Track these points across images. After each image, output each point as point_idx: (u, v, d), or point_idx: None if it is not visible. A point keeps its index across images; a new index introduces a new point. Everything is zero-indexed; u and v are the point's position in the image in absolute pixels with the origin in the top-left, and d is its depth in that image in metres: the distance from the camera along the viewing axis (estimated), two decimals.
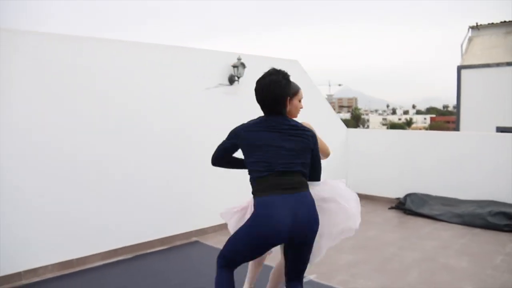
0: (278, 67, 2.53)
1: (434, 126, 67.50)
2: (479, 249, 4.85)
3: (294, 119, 2.64)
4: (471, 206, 6.03)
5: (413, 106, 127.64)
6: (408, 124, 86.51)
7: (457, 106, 12.02)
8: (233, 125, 2.53)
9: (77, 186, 4.25)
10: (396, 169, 7.17)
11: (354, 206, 2.64)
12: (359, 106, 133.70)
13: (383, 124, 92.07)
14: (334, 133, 7.50)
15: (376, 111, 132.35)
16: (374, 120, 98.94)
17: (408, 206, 6.44)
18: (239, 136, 2.47)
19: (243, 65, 5.46)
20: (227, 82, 5.53)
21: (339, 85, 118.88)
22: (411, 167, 7.00)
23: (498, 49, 12.00)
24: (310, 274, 4.03)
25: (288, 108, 2.58)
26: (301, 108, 2.88)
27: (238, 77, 5.49)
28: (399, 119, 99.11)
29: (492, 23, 12.90)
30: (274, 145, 2.39)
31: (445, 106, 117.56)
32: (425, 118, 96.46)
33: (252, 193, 2.45)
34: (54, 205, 4.09)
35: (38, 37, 4.07)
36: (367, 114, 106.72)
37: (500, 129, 10.40)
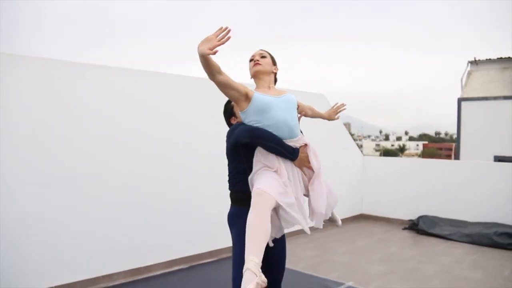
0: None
1: (427, 152, 68.40)
2: (488, 263, 5.56)
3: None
4: (478, 227, 6.77)
5: (406, 133, 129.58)
6: (401, 150, 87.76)
7: (458, 136, 12.86)
8: None
9: (141, 213, 4.93)
10: (408, 193, 7.91)
11: None
12: (352, 131, 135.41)
13: (376, 150, 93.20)
14: (351, 160, 8.26)
15: (369, 136, 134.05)
16: (368, 145, 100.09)
17: (421, 226, 7.16)
18: None
19: None
20: None
21: None
22: (422, 192, 7.74)
23: (496, 83, 12.96)
24: (347, 281, 4.72)
25: (237, 121, 2.77)
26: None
27: None
28: (392, 145, 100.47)
29: (490, 59, 13.91)
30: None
31: (437, 133, 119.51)
32: (417, 145, 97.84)
33: None
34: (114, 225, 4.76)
35: (34, 62, 4.26)
36: (360, 140, 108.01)
37: (498, 158, 11.23)
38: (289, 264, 2.44)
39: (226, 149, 2.62)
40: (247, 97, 2.41)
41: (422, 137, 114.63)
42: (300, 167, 2.45)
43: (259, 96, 2.44)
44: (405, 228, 7.48)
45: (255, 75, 2.58)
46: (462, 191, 7.31)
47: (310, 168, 2.47)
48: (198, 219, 5.45)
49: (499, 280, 4.91)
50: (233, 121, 2.80)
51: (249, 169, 2.44)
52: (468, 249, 6.24)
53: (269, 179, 2.27)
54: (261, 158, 2.39)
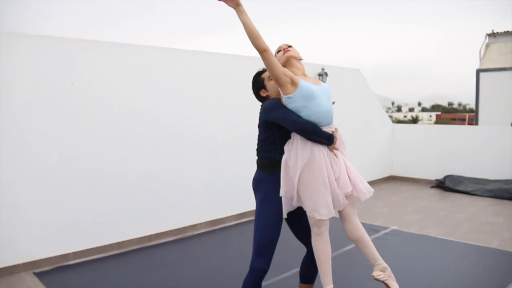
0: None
1: (440, 123, 68.58)
2: (508, 212, 6.50)
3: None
4: (498, 184, 7.70)
5: (419, 104, 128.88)
6: (414, 121, 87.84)
7: (476, 105, 13.62)
8: None
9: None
10: (434, 156, 8.82)
11: None
12: None
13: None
14: (382, 128, 9.18)
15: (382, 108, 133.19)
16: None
17: (447, 184, 8.10)
18: None
19: (326, 74, 7.11)
20: None
21: None
22: (447, 154, 8.66)
23: None
24: (392, 226, 5.69)
25: (267, 93, 2.84)
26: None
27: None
28: (405, 116, 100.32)
29: (508, 31, 14.53)
30: None
31: (450, 104, 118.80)
32: (430, 116, 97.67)
33: None
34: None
35: (37, 40, 4.30)
36: None
37: None
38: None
39: (259, 120, 2.82)
40: (293, 83, 2.57)
41: (435, 107, 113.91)
42: (331, 150, 2.69)
43: (305, 83, 2.61)
44: (432, 187, 8.43)
45: (288, 61, 2.72)
46: (483, 152, 8.22)
47: (337, 149, 2.74)
48: None
49: None
50: (263, 94, 2.87)
51: (280, 141, 2.73)
52: (490, 201, 7.18)
53: (321, 200, 2.58)
54: (298, 148, 2.63)
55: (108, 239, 4.83)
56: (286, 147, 2.71)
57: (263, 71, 2.88)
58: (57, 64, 4.42)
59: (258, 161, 2.88)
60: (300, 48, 3.02)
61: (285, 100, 2.62)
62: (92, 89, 4.70)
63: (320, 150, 2.61)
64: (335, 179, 2.64)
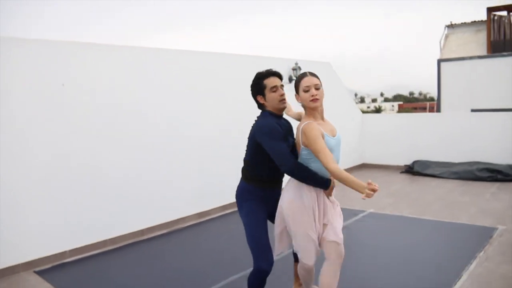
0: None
1: (402, 112, 70.19)
2: (474, 191, 7.02)
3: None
4: (462, 166, 8.24)
5: (381, 94, 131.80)
6: (377, 111, 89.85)
7: (438, 93, 14.29)
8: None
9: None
10: (402, 143, 9.32)
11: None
12: None
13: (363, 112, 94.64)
14: (352, 118, 9.60)
15: None
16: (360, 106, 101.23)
17: (416, 169, 8.60)
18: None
19: (300, 68, 7.44)
20: (287, 81, 7.49)
21: None
22: (414, 141, 9.17)
23: (471, 44, 14.38)
24: (368, 209, 6.08)
25: (264, 102, 2.85)
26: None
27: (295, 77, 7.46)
28: (368, 107, 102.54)
29: (465, 23, 15.27)
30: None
31: (411, 93, 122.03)
32: (393, 105, 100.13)
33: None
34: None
35: (32, 43, 4.43)
36: None
37: (474, 111, 12.72)
38: None
39: (250, 134, 2.83)
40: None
41: (396, 97, 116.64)
42: (327, 194, 2.77)
43: (328, 140, 2.64)
44: (402, 172, 8.92)
45: (314, 109, 2.71)
46: (447, 137, 8.78)
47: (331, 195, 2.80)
48: None
49: (483, 201, 6.36)
50: (260, 100, 2.86)
51: (270, 161, 2.70)
52: (457, 183, 7.70)
53: (307, 248, 2.72)
54: (292, 187, 2.74)
55: (102, 236, 4.99)
56: (287, 185, 2.81)
57: (266, 75, 2.85)
58: (49, 66, 4.56)
59: (245, 173, 2.93)
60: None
61: (302, 151, 2.67)
62: (84, 90, 4.85)
63: (311, 194, 2.69)
64: (324, 224, 2.74)
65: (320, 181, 2.68)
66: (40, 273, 4.33)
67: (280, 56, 4.44)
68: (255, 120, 2.86)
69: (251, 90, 2.90)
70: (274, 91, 2.80)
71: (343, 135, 2.88)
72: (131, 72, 5.32)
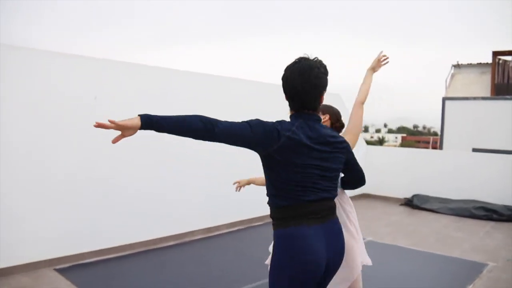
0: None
1: (405, 145, 70.58)
2: (468, 228, 7.35)
3: None
4: (459, 203, 8.59)
5: (385, 125, 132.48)
6: (380, 142, 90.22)
7: (441, 130, 14.68)
8: None
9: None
10: (403, 177, 9.69)
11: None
12: None
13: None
14: (357, 149, 9.93)
15: None
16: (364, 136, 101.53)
17: (415, 203, 8.95)
18: (280, 139, 1.88)
19: None
20: None
21: None
22: (415, 175, 9.54)
23: (476, 85, 14.87)
24: (368, 237, 6.41)
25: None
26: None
27: None
28: (371, 137, 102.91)
29: (471, 63, 15.80)
30: (315, 165, 1.94)
31: (416, 126, 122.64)
32: (396, 137, 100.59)
33: (274, 223, 2.01)
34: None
35: (25, 52, 4.63)
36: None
37: (475, 150, 13.10)
38: None
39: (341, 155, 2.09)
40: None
41: (400, 129, 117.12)
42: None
43: None
44: (402, 204, 9.27)
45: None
46: (447, 175, 9.16)
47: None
48: None
49: (476, 238, 6.70)
50: (322, 100, 2.06)
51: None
52: (453, 219, 8.04)
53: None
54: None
55: (119, 241, 5.35)
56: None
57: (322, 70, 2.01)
58: (50, 78, 4.84)
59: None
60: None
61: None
62: (107, 102, 5.28)
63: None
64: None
65: None
66: (60, 270, 4.67)
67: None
68: (328, 129, 2.06)
69: (318, 80, 1.98)
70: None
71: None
72: (145, 90, 5.78)
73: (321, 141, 1.95)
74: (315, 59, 1.99)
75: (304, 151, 1.90)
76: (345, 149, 2.08)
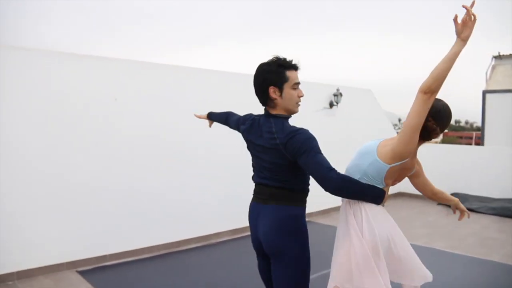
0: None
1: (446, 141, 68.43)
2: (510, 228, 6.91)
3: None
4: (501, 202, 8.10)
5: None
6: None
7: (482, 125, 14.03)
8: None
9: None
10: (441, 174, 9.23)
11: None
12: None
13: None
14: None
15: None
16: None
17: None
18: (240, 130, 2.53)
19: (341, 94, 7.58)
20: (328, 106, 7.64)
21: None
22: (453, 173, 9.08)
23: None
24: None
25: (279, 100, 2.16)
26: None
27: (337, 103, 7.61)
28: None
29: None
30: (256, 155, 2.32)
31: (457, 122, 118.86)
32: None
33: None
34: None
35: (27, 53, 4.55)
36: None
37: None
38: None
39: (277, 145, 2.14)
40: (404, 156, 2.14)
41: None
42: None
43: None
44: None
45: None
46: (487, 172, 8.65)
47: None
48: None
49: None
50: (273, 94, 2.16)
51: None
52: (493, 219, 7.58)
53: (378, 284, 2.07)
54: (348, 214, 2.22)
55: (140, 244, 5.28)
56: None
57: (290, 65, 2.18)
58: (53, 79, 4.73)
59: (292, 192, 2.23)
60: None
61: (379, 163, 2.13)
62: (123, 105, 5.21)
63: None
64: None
65: (372, 196, 2.19)
66: (82, 273, 4.63)
67: (321, 81, 4.46)
68: (272, 124, 2.20)
69: (262, 76, 2.17)
70: (295, 89, 2.20)
71: None
72: (169, 91, 5.68)
73: (258, 135, 2.25)
74: (272, 59, 2.20)
75: (248, 143, 2.39)
76: (277, 145, 2.13)
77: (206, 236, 5.90)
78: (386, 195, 2.20)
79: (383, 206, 2.28)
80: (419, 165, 2.56)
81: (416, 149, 2.25)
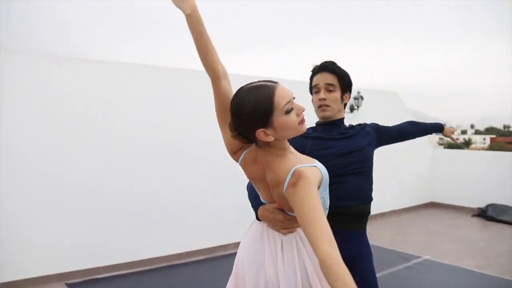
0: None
1: (494, 147, 65.76)
2: None
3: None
4: None
5: (472, 126, 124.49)
6: (466, 144, 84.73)
7: None
8: None
9: None
10: (476, 183, 8.51)
11: None
12: None
13: (440, 144, 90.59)
14: (422, 152, 8.96)
15: None
16: (431, 139, 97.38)
17: (490, 214, 7.77)
18: None
19: (362, 98, 7.08)
20: (348, 111, 7.16)
21: None
22: (490, 182, 8.32)
23: None
24: (424, 255, 5.54)
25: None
26: (303, 111, 1.56)
27: (358, 107, 7.12)
28: (457, 139, 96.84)
29: None
30: None
31: (506, 126, 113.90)
32: (484, 139, 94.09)
33: None
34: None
35: (26, 57, 4.54)
36: None
37: None
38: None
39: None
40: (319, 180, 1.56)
41: (489, 130, 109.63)
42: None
43: (321, 167, 1.61)
44: (474, 215, 8.12)
45: (295, 132, 1.58)
46: None
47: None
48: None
49: None
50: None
51: None
52: None
53: None
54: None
55: (138, 256, 4.99)
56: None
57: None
58: (53, 80, 4.66)
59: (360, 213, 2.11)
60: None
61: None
62: (131, 108, 4.97)
63: None
64: None
65: None
66: (71, 286, 4.39)
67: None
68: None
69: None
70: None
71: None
72: (169, 91, 5.48)
73: None
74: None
75: None
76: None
77: (210, 249, 5.55)
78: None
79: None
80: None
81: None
